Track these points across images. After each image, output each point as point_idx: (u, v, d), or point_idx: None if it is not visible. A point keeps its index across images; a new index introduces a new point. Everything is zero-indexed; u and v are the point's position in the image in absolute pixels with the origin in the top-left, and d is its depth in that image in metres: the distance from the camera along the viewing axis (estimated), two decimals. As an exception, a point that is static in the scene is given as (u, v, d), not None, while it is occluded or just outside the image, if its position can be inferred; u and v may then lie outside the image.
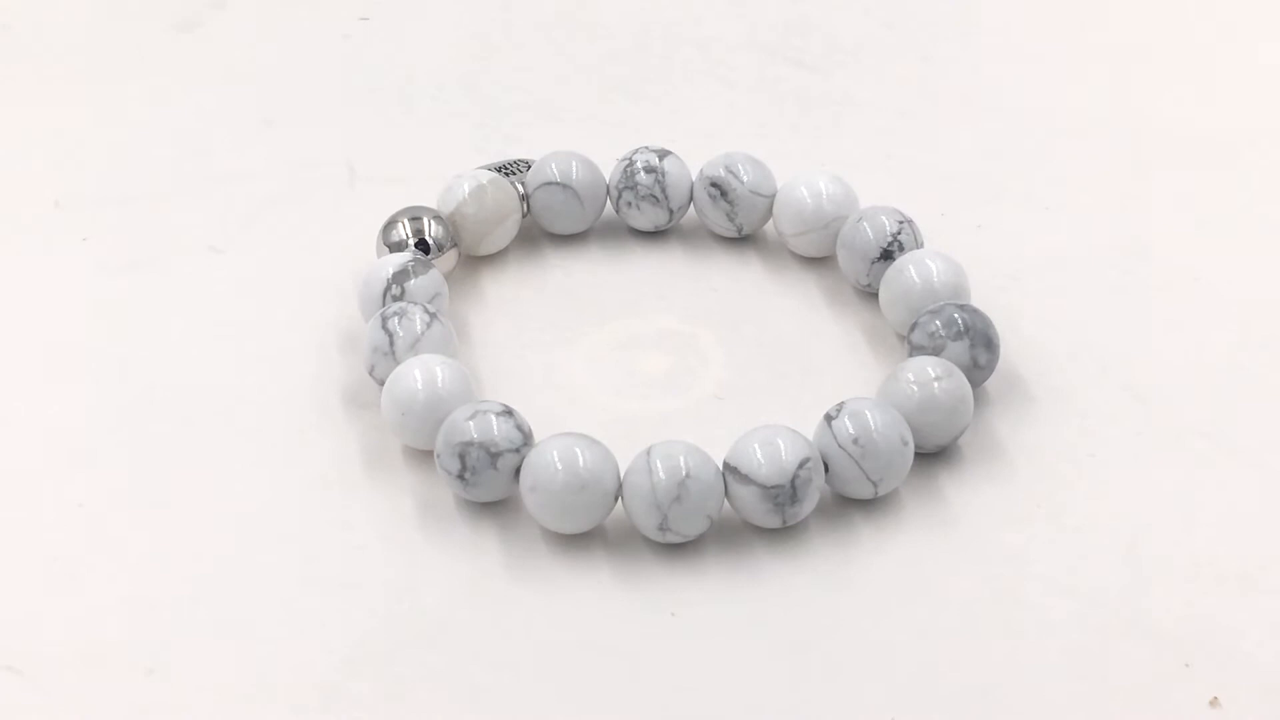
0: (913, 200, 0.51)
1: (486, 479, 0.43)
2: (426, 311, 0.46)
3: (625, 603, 0.42)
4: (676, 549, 0.43)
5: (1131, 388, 0.47)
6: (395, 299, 0.47)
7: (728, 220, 0.50)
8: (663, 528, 0.42)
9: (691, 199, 0.51)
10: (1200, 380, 0.47)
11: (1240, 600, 0.42)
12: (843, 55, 0.60)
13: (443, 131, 0.56)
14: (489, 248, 0.50)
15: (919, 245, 0.49)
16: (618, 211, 0.51)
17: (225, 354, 0.48)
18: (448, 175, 0.51)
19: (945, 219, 0.52)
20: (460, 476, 0.43)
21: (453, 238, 0.49)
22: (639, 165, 0.51)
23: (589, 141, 0.53)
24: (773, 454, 0.43)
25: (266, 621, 0.41)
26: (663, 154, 0.51)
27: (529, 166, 0.52)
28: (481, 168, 0.51)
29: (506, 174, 0.51)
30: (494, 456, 0.43)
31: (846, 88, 0.58)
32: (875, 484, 0.43)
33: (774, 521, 0.43)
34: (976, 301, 0.49)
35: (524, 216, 0.51)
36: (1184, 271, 0.50)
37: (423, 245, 0.49)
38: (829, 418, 0.44)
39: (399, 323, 0.46)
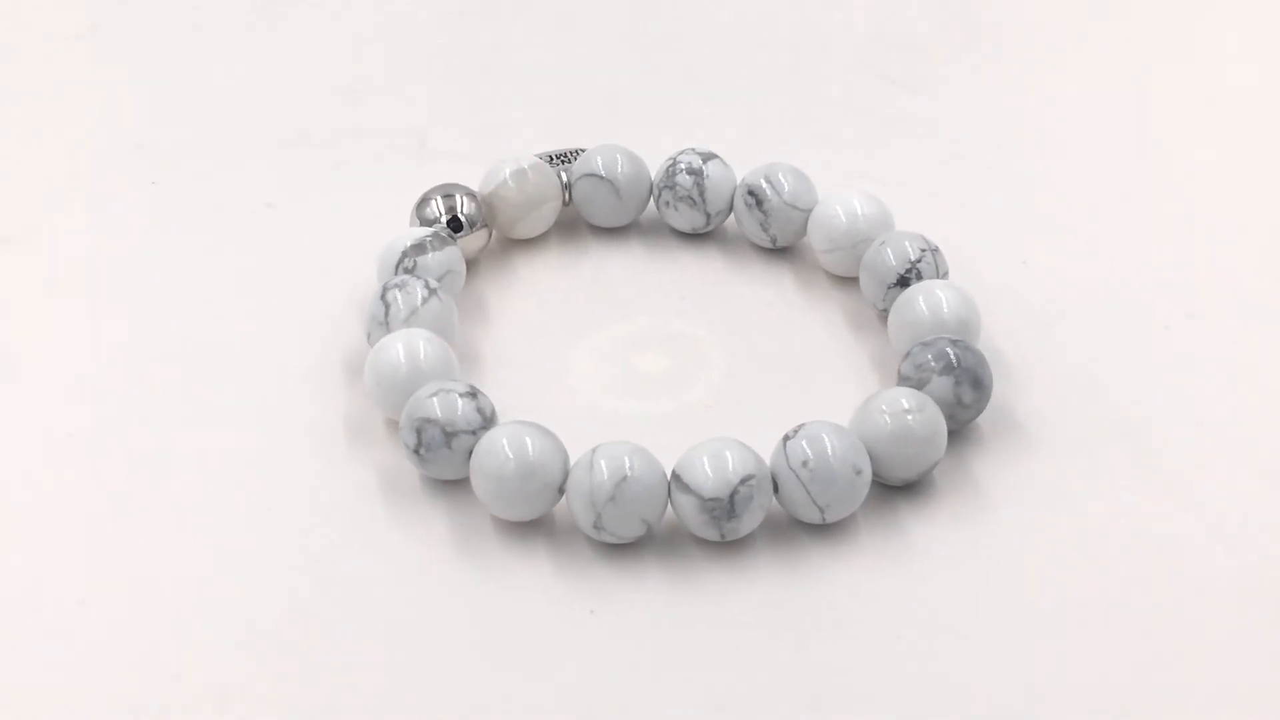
0: (965, 229, 0.51)
1: (440, 457, 0.44)
2: (427, 287, 0.47)
3: (553, 595, 0.42)
4: (618, 549, 0.43)
5: (1138, 448, 0.46)
6: (407, 271, 0.48)
7: (762, 230, 0.50)
8: (597, 526, 0.43)
9: (732, 205, 0.51)
10: (1210, 452, 0.46)
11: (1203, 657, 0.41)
12: (929, 75, 0.59)
13: (521, 114, 0.57)
14: (524, 232, 0.51)
15: (940, 274, 0.48)
16: (659, 210, 0.51)
17: (245, 307, 0.49)
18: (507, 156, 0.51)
19: (990, 251, 0.51)
20: (416, 451, 0.44)
21: (486, 217, 0.50)
22: (681, 166, 0.51)
23: (660, 139, 0.53)
24: (718, 466, 0.43)
25: (188, 561, 0.42)
26: (708, 157, 0.51)
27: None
28: (539, 154, 0.52)
29: (561, 161, 0.52)
30: (449, 436, 0.44)
31: (930, 110, 0.57)
32: (822, 510, 0.43)
33: (712, 534, 0.43)
34: (997, 338, 0.48)
35: (565, 205, 0.51)
36: (1235, 333, 0.49)
37: (455, 222, 0.50)
38: (786, 438, 0.44)
39: (398, 295, 0.47)
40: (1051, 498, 0.45)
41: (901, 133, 0.56)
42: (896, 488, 0.45)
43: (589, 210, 0.51)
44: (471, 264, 0.51)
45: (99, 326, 0.49)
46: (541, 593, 0.43)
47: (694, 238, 0.52)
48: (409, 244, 0.48)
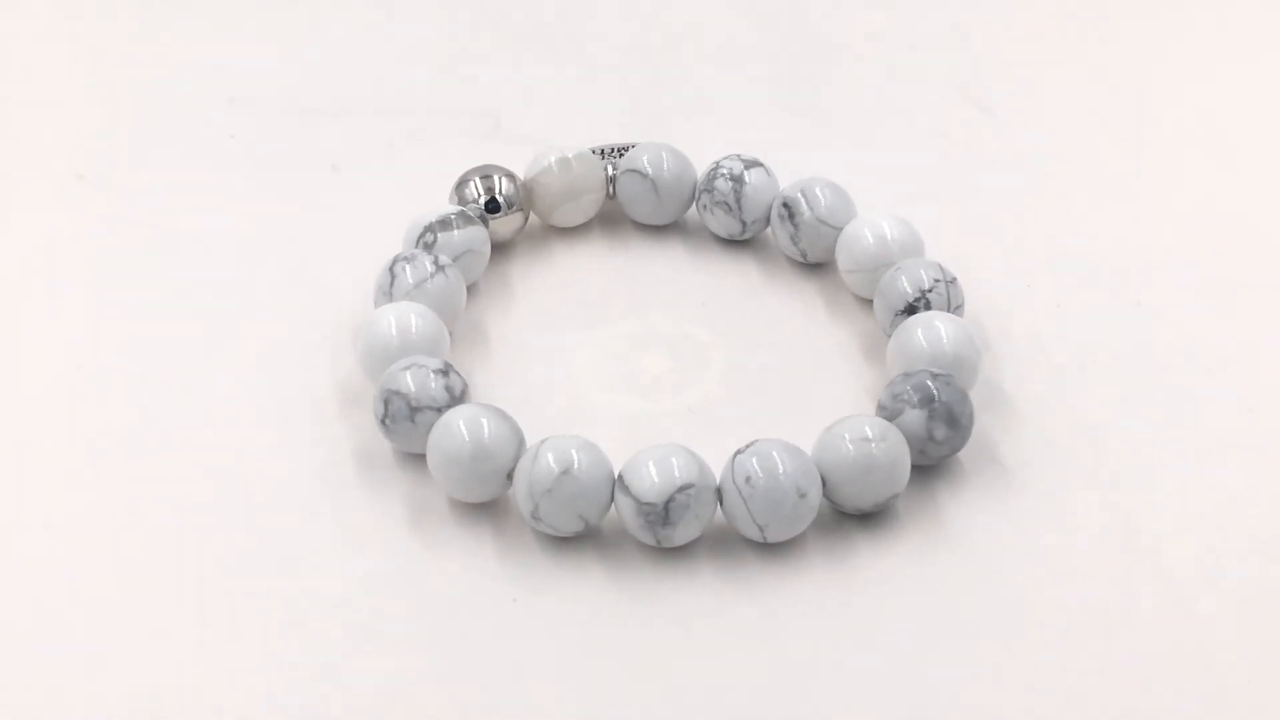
0: (1008, 266, 0.50)
1: (403, 430, 0.45)
2: (436, 263, 0.48)
3: (483, 579, 0.43)
4: (562, 543, 0.44)
5: (1115, 508, 0.45)
6: (427, 247, 0.49)
7: (793, 244, 0.50)
8: (535, 516, 0.43)
9: (770, 216, 0.51)
10: (1192, 530, 0.44)
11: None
12: (1016, 101, 0.58)
13: (604, 103, 0.57)
14: (563, 219, 0.51)
15: (953, 306, 0.47)
16: (699, 214, 0.52)
17: (280, 261, 0.51)
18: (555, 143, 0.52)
19: (1030, 290, 0.50)
20: (382, 421, 0.45)
21: (524, 201, 0.51)
22: (722, 171, 0.51)
23: (741, 143, 0.53)
24: (661, 472, 0.43)
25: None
26: (751, 164, 0.51)
27: (638, 151, 0.53)
28: (597, 146, 0.52)
29: (612, 154, 0.52)
30: (414, 410, 0.44)
31: (1011, 139, 0.56)
32: (761, 528, 0.43)
33: (648, 538, 0.43)
34: (1004, 378, 0.47)
35: (610, 198, 0.52)
36: (1251, 404, 0.47)
37: (492, 204, 0.51)
38: (737, 452, 0.43)
39: (406, 268, 0.48)
40: (1013, 543, 0.44)
41: (982, 162, 0.55)
42: (855, 516, 0.44)
43: (630, 206, 0.52)
44: (506, 245, 0.51)
45: (148, 268, 0.51)
46: (475, 575, 0.43)
47: (732, 244, 0.52)
48: (434, 219, 0.49)
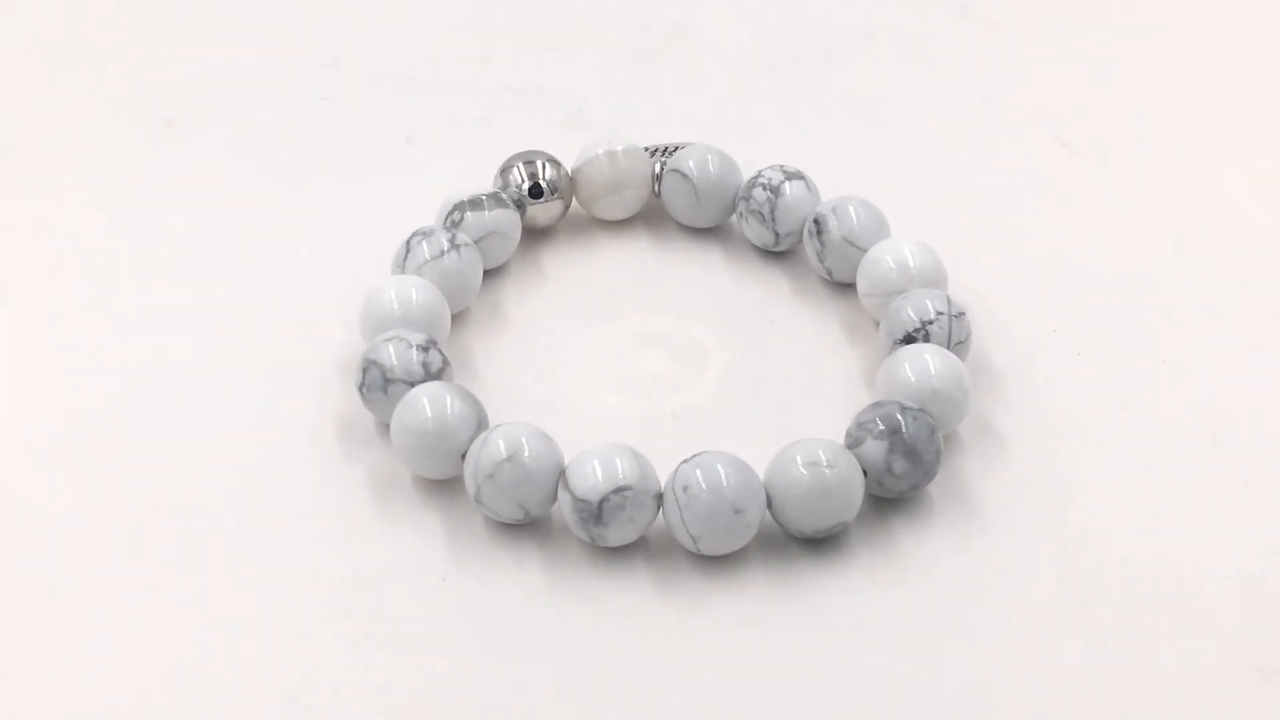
0: (1043, 308, 0.50)
1: (376, 400, 0.46)
2: (452, 241, 0.49)
3: (422, 554, 0.44)
4: (507, 529, 0.44)
5: (1075, 576, 0.44)
6: (454, 224, 0.50)
7: (819, 261, 0.50)
8: (477, 499, 0.44)
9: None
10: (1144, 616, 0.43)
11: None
12: (1104, 149, 0.56)
13: (686, 99, 0.57)
14: (604, 212, 0.52)
15: (954, 341, 0.46)
16: (737, 221, 0.51)
17: (326, 232, 0.52)
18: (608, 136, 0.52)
19: (1054, 335, 0.49)
20: (359, 388, 0.46)
21: (566, 189, 0.51)
22: (761, 180, 0.51)
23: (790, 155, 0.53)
24: (603, 471, 0.43)
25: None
26: (793, 176, 0.51)
27: (690, 152, 0.53)
28: (656, 145, 0.53)
29: (665, 153, 0.52)
30: (388, 382, 0.45)
31: (1092, 182, 0.55)
32: (695, 539, 0.43)
33: (583, 535, 0.43)
34: (997, 417, 0.47)
35: (654, 195, 0.52)
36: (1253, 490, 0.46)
37: (535, 189, 0.51)
38: (684, 461, 0.44)
39: (422, 243, 0.49)
40: (963, 586, 0.43)
41: (1052, 202, 0.54)
42: (804, 540, 0.44)
43: (671, 206, 0.52)
44: (547, 231, 0.52)
45: (182, 220, 0.52)
46: (418, 551, 0.44)
47: (769, 255, 0.51)
48: (465, 199, 0.50)
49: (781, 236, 0.50)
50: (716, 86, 0.58)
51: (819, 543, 0.44)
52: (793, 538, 0.44)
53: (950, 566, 0.44)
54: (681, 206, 0.51)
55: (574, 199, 0.52)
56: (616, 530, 0.43)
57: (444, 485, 0.45)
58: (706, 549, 0.43)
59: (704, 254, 0.52)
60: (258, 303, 0.50)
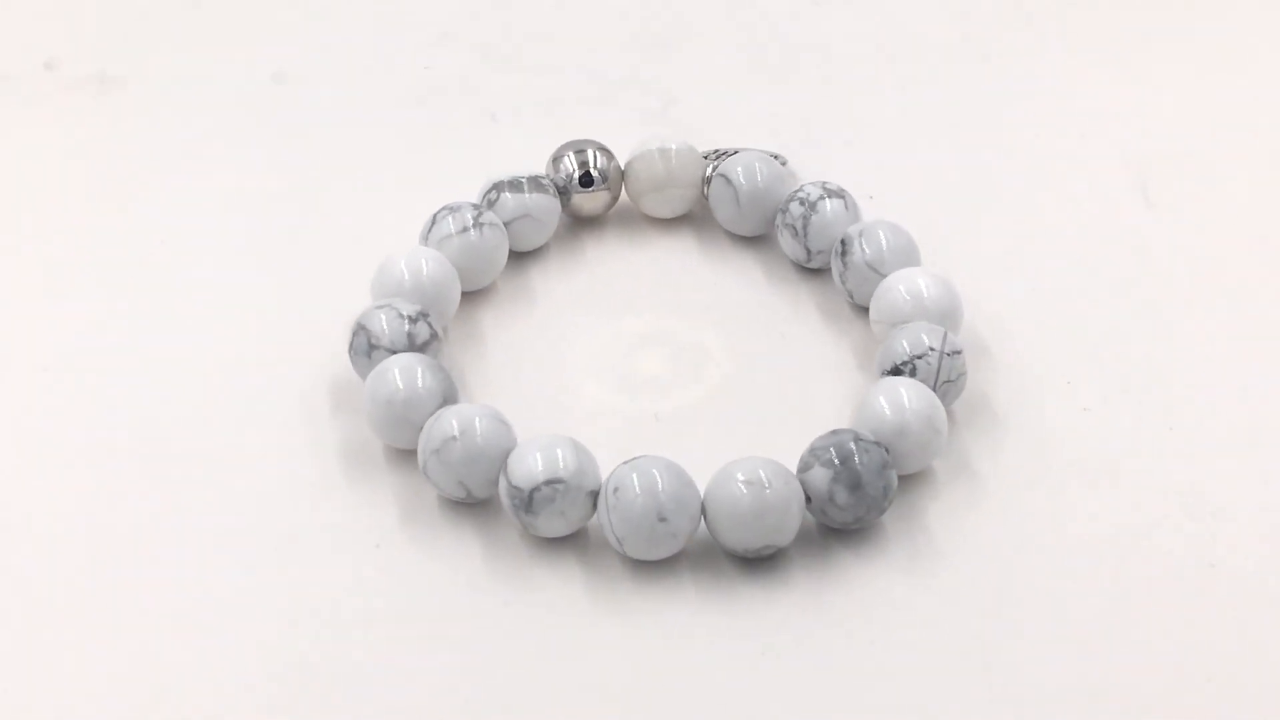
0: (1066, 360, 0.48)
1: (361, 364, 0.47)
2: (477, 220, 0.49)
3: (369, 522, 0.45)
4: (457, 506, 0.45)
5: (1010, 626, 0.43)
6: (490, 204, 0.51)
7: (841, 283, 0.49)
8: (424, 471, 0.44)
9: (837, 248, 0.50)
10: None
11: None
12: (1181, 202, 0.54)
13: (773, 107, 0.57)
14: (650, 208, 0.52)
15: (942, 380, 0.46)
16: (775, 233, 0.51)
17: (395, 200, 0.53)
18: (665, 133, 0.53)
19: (1068, 387, 0.48)
20: (348, 350, 0.47)
21: (615, 180, 0.52)
22: (800, 195, 0.50)
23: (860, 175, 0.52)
24: (542, 461, 0.43)
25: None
26: (833, 194, 0.50)
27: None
28: (717, 149, 0.53)
29: (720, 156, 0.52)
30: (372, 348, 0.47)
31: (1160, 235, 0.53)
32: (619, 541, 0.43)
33: (516, 522, 0.44)
34: (972, 455, 0.45)
35: (704, 198, 0.52)
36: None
37: (586, 178, 0.52)
38: (625, 461, 0.44)
39: (448, 218, 0.50)
40: (896, 617, 0.43)
41: (1115, 251, 0.52)
42: (739, 558, 0.44)
43: (716, 211, 0.52)
44: (596, 221, 0.52)
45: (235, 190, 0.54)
46: (360, 513, 0.45)
47: (804, 271, 0.51)
48: (505, 179, 0.51)
49: (813, 254, 0.50)
50: (805, 98, 0.57)
51: (754, 563, 0.43)
52: (728, 555, 0.44)
53: (884, 601, 0.43)
54: (725, 212, 0.51)
55: (623, 192, 0.52)
56: (545, 521, 0.43)
57: (410, 455, 0.45)
58: (631, 552, 0.43)
59: (742, 262, 0.51)
60: (319, 267, 0.51)
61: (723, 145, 0.53)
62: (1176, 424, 0.47)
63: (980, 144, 0.55)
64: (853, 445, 0.43)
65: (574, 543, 0.44)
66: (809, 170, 0.54)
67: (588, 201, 0.52)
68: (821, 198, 0.50)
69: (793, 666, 0.42)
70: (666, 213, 0.52)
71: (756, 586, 0.44)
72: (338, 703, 0.41)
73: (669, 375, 0.48)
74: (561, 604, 0.43)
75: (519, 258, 0.51)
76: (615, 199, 0.52)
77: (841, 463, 0.43)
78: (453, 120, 0.56)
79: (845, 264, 0.49)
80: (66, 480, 0.46)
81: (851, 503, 0.43)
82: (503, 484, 0.43)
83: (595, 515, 0.44)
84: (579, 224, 0.52)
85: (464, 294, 0.50)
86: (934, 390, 0.45)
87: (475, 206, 0.50)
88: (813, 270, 0.51)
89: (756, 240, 0.52)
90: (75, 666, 0.42)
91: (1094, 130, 0.55)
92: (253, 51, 0.59)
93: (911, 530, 0.44)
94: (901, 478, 0.45)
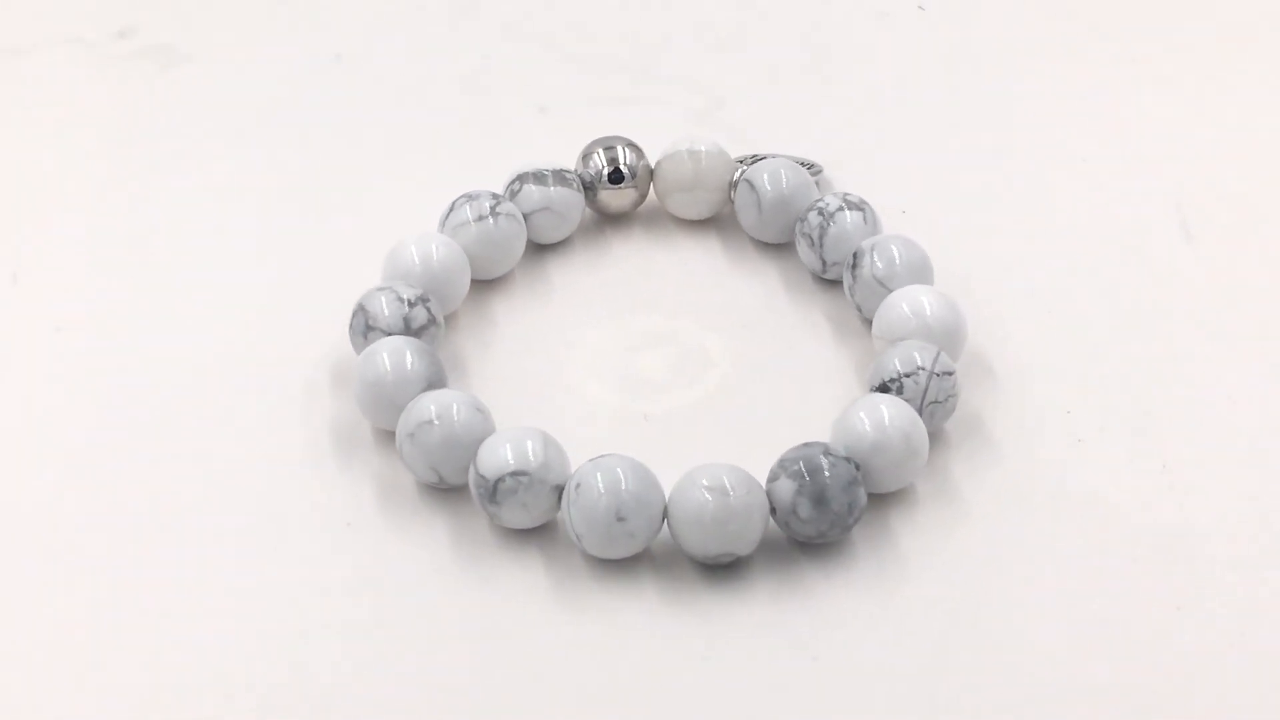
0: (1067, 389, 0.47)
1: (358, 344, 0.47)
2: (494, 209, 0.50)
3: (339, 501, 0.45)
4: (432, 491, 0.45)
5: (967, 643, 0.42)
6: (512, 194, 0.51)
7: (850, 296, 0.49)
8: (400, 454, 0.45)
9: (852, 261, 0.50)
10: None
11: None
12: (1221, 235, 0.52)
13: (824, 118, 0.56)
14: (677, 208, 0.52)
15: (928, 400, 0.45)
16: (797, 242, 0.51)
17: (431, 190, 0.53)
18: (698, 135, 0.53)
19: (1069, 417, 0.47)
20: (349, 327, 0.48)
21: (642, 178, 0.52)
22: (820, 205, 0.50)
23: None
24: (512, 452, 0.44)
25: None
26: (854, 206, 0.50)
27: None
28: (752, 155, 0.53)
29: (751, 161, 0.52)
30: (369, 329, 0.47)
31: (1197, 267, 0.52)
32: (578, 537, 0.43)
33: (481, 510, 0.44)
34: (956, 475, 0.45)
35: (731, 201, 0.52)
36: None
37: (616, 174, 0.52)
38: (592, 459, 0.44)
39: (466, 205, 0.50)
40: (840, 635, 0.43)
41: (1151, 284, 0.51)
42: (699, 564, 0.44)
43: (740, 216, 0.51)
44: (622, 218, 0.52)
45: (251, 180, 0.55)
46: (340, 493, 0.45)
47: (822, 282, 0.50)
48: (529, 170, 0.51)
49: (829, 265, 0.49)
50: (854, 109, 0.56)
51: (717, 570, 0.43)
52: (690, 560, 0.43)
53: (841, 617, 0.43)
54: (748, 218, 0.51)
55: (651, 191, 0.52)
56: (509, 512, 0.43)
57: (386, 438, 0.46)
58: (590, 550, 0.43)
59: (761, 269, 0.51)
60: (351, 249, 0.52)
61: (766, 150, 0.53)
62: (1170, 464, 0.45)
63: (1025, 168, 0.54)
64: (821, 459, 0.43)
65: (541, 536, 0.44)
66: (846, 181, 0.53)
67: (615, 198, 0.52)
68: (841, 209, 0.49)
69: (738, 675, 0.42)
70: (693, 214, 0.52)
71: (717, 594, 0.43)
72: (277, 677, 0.42)
73: (667, 376, 0.48)
74: (521, 597, 0.43)
75: (540, 250, 0.51)
76: (643, 197, 0.52)
77: (807, 476, 0.43)
78: (503, 111, 0.57)
79: (855, 277, 0.48)
80: (70, 437, 0.47)
81: (814, 517, 0.43)
82: (471, 472, 0.44)
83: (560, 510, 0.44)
84: (607, 220, 0.52)
85: (479, 282, 0.50)
86: (920, 410, 0.45)
87: (494, 196, 0.50)
88: (829, 281, 0.50)
89: (780, 248, 0.51)
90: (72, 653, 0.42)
91: (1143, 160, 0.54)
92: (318, 33, 0.59)
93: (880, 549, 0.44)
94: (877, 496, 0.45)
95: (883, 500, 0.45)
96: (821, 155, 0.54)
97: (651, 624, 0.43)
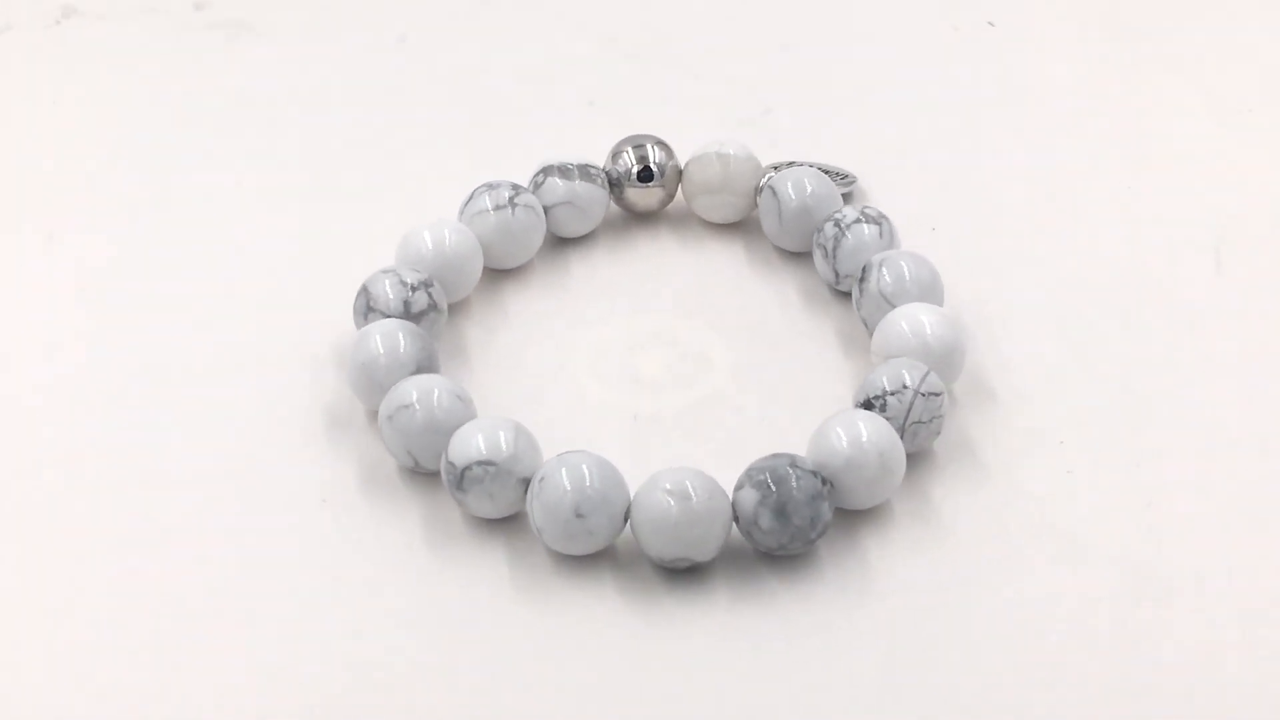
0: (1059, 419, 0.47)
1: (359, 323, 0.48)
2: (512, 200, 0.50)
3: (321, 479, 0.46)
4: (408, 472, 0.46)
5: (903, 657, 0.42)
6: (536, 186, 0.51)
7: (857, 310, 0.48)
8: (380, 431, 0.45)
9: (865, 273, 0.49)
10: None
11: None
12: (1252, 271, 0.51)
13: (872, 123, 0.56)
14: (702, 211, 0.52)
15: (911, 420, 0.45)
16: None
17: (468, 176, 0.53)
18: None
19: (1061, 448, 0.46)
20: (353, 308, 0.48)
21: (668, 179, 0.52)
22: (837, 216, 0.49)
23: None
24: (484, 442, 0.44)
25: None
26: (871, 220, 0.49)
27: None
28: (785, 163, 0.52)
29: (779, 168, 0.52)
30: (369, 310, 0.48)
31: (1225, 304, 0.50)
32: (539, 530, 0.43)
33: (450, 496, 0.44)
34: (937, 502, 0.45)
35: (754, 209, 0.52)
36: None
37: (645, 173, 0.52)
38: (560, 454, 0.44)
39: (485, 195, 0.50)
40: (795, 649, 0.42)
41: (1179, 314, 0.50)
42: (658, 567, 0.44)
43: (763, 223, 0.51)
44: (651, 217, 0.52)
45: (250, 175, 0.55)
46: (322, 472, 0.46)
47: (838, 294, 0.50)
48: (555, 164, 0.51)
49: (841, 277, 0.49)
50: (904, 125, 0.56)
51: (679, 574, 0.43)
52: (650, 563, 0.43)
53: (797, 630, 0.43)
54: (770, 225, 0.51)
55: (679, 191, 0.52)
56: (475, 501, 0.44)
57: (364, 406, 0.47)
58: (550, 543, 0.43)
59: (779, 277, 0.51)
60: (382, 231, 0.52)
61: (808, 158, 0.53)
62: (1155, 503, 0.44)
63: (1065, 193, 0.53)
64: (788, 470, 0.43)
65: (509, 527, 0.44)
66: (881, 194, 0.53)
67: (642, 197, 0.52)
68: (857, 221, 0.49)
69: (686, 679, 0.42)
70: (718, 218, 0.52)
71: (676, 598, 0.43)
72: (219, 642, 0.42)
73: (663, 378, 0.48)
74: (481, 586, 0.44)
75: (563, 243, 0.52)
76: (670, 197, 0.52)
77: (772, 486, 0.43)
78: (553, 102, 0.57)
79: (863, 291, 0.48)
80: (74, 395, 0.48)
81: (775, 528, 0.43)
82: (442, 458, 0.44)
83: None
84: (635, 219, 0.52)
85: (497, 272, 0.50)
86: (902, 429, 0.44)
87: (514, 187, 0.50)
88: (844, 294, 0.50)
89: (801, 257, 0.51)
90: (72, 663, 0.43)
91: (1185, 191, 0.53)
92: (387, 15, 0.60)
93: (847, 566, 0.44)
94: (851, 513, 0.44)
95: (856, 517, 0.44)
96: (863, 167, 0.53)
97: (608, 622, 0.43)
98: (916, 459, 0.45)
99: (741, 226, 0.52)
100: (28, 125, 0.56)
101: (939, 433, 0.45)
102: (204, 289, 0.51)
